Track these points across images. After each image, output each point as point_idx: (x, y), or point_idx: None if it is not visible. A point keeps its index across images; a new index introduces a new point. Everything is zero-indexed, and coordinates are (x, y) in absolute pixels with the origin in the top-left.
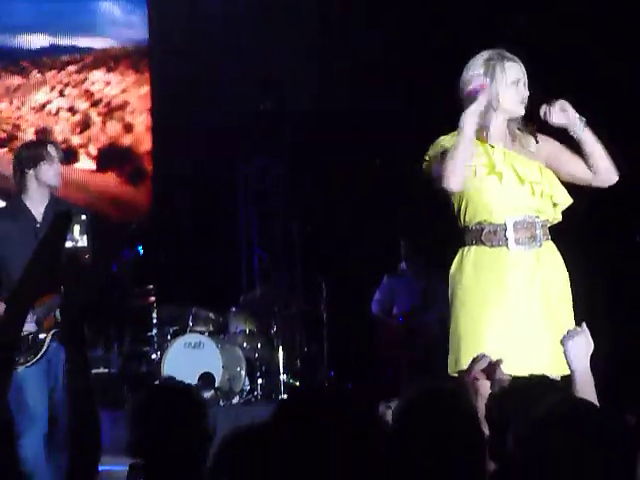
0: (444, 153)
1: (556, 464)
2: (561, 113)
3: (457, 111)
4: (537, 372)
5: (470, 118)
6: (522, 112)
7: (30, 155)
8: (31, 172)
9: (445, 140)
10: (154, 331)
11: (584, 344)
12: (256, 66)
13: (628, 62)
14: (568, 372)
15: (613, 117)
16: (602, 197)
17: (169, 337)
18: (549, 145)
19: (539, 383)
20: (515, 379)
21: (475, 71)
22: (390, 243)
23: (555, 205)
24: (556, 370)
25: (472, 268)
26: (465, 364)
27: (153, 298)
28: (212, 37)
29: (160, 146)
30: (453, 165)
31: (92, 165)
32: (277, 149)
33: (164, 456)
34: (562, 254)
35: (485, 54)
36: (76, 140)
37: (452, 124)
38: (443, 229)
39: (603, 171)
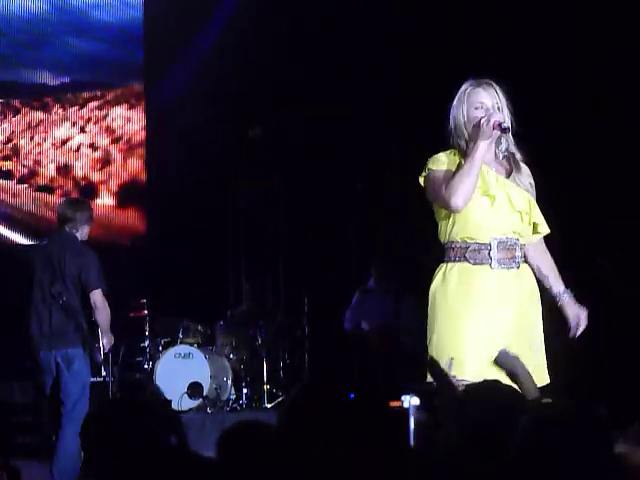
0: (447, 172)
1: (549, 458)
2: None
3: (445, 138)
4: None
5: (484, 146)
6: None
7: (78, 218)
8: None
9: (444, 157)
10: (147, 342)
11: None
12: (244, 94)
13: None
14: (541, 383)
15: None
16: (567, 226)
17: (160, 348)
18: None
19: (494, 388)
20: (470, 385)
21: (455, 102)
22: (366, 261)
23: (534, 233)
24: None
25: (455, 283)
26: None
27: (146, 311)
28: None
29: (153, 168)
30: (463, 187)
31: (112, 201)
32: (262, 174)
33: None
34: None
35: (465, 84)
36: (96, 176)
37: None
38: (413, 246)
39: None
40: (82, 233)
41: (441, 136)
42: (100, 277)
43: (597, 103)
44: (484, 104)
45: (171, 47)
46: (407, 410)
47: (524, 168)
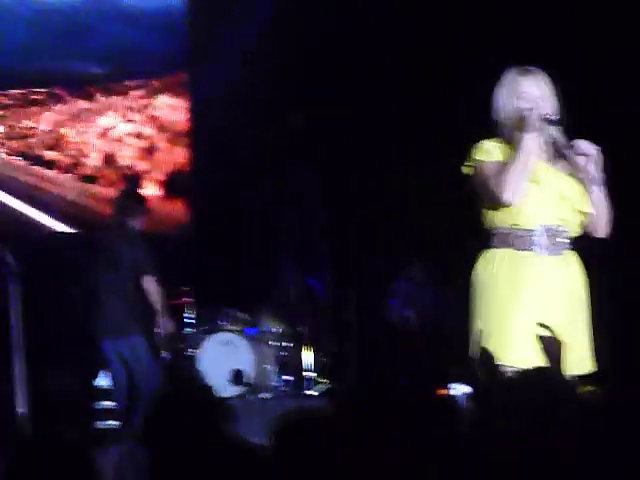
0: (496, 165)
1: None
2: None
3: (489, 126)
4: None
5: (531, 140)
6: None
7: (132, 209)
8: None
9: (492, 147)
10: (189, 330)
11: None
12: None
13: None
14: (583, 372)
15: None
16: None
17: (203, 335)
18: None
19: (541, 373)
20: (517, 371)
21: (499, 91)
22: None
23: (580, 219)
24: (570, 368)
25: (499, 269)
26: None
27: (189, 299)
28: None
29: (197, 157)
30: (515, 184)
31: (157, 191)
32: (302, 163)
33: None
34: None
35: (509, 71)
36: (141, 166)
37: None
38: (450, 235)
39: (596, 227)
40: (136, 224)
41: (441, 136)
42: (153, 264)
43: (597, 103)
44: (529, 93)
45: (215, 36)
46: (455, 398)
47: (569, 153)
